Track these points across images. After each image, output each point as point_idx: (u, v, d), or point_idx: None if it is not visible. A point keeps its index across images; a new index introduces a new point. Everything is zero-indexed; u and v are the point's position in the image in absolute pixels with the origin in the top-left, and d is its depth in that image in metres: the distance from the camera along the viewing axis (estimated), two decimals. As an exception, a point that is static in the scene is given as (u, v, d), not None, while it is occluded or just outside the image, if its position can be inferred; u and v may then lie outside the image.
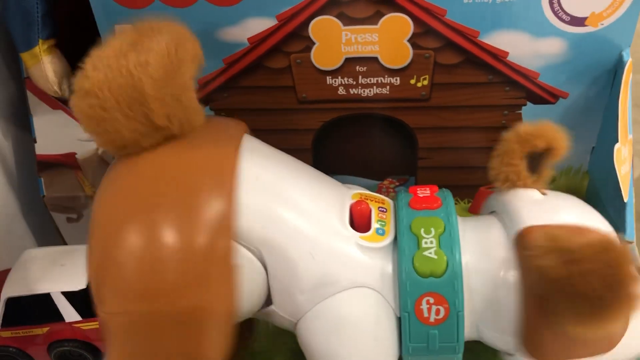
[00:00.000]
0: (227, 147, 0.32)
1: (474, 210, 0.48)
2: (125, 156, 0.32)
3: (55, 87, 0.51)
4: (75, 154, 0.55)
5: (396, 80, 0.43)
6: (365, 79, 0.43)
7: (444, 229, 0.32)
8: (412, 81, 0.43)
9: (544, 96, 0.43)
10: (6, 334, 0.47)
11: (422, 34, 0.41)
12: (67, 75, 0.51)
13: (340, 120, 0.46)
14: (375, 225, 0.33)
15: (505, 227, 0.33)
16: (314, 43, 0.42)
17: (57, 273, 0.47)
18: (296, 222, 0.32)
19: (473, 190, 0.48)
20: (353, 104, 0.45)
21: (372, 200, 0.35)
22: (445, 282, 0.31)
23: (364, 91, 0.44)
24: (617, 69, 0.41)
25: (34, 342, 0.48)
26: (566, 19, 0.39)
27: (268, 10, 0.40)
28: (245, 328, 0.41)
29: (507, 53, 0.41)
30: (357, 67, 0.43)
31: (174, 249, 0.28)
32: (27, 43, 0.50)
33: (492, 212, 0.36)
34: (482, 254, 0.32)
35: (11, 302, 0.46)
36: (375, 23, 0.40)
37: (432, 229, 0.32)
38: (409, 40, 0.41)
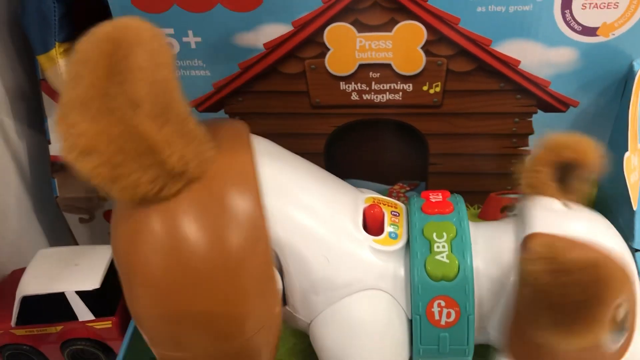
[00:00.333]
0: (241, 151, 0.32)
1: (483, 216, 0.49)
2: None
3: (71, 89, 0.51)
4: (89, 155, 0.56)
5: (409, 86, 0.44)
6: (378, 85, 0.44)
7: (456, 234, 0.33)
8: (425, 88, 0.43)
9: (555, 104, 0.43)
10: (20, 331, 0.48)
11: (435, 42, 0.41)
12: (83, 77, 0.52)
13: (352, 125, 0.47)
14: (388, 229, 0.34)
15: (516, 232, 0.33)
16: (328, 49, 0.42)
17: (72, 273, 0.47)
18: (311, 224, 0.32)
19: (483, 196, 0.49)
20: (366, 110, 0.45)
21: (384, 204, 0.35)
22: (456, 286, 0.31)
23: (376, 97, 0.44)
24: (627, 78, 0.41)
25: (47, 340, 0.48)
26: (578, 29, 0.40)
27: (284, 17, 0.41)
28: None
29: (518, 61, 0.42)
30: (371, 73, 0.43)
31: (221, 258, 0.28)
32: (44, 46, 0.50)
33: (514, 215, 0.36)
34: (492, 259, 0.33)
35: (26, 301, 0.47)
36: (390, 30, 0.41)
37: (444, 234, 0.33)
38: (422, 48, 0.42)
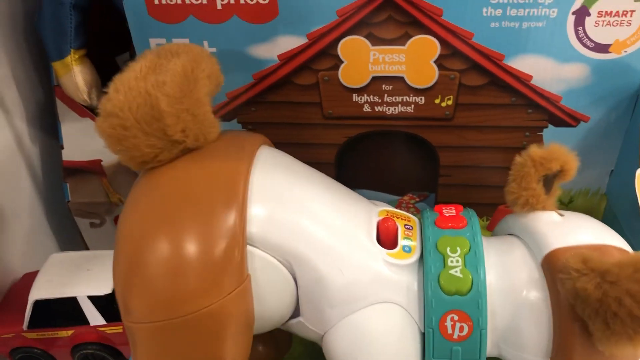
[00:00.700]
0: (239, 161, 0.33)
1: (492, 229, 0.49)
2: (147, 171, 0.33)
3: (85, 96, 0.52)
4: (101, 160, 0.56)
5: (421, 99, 0.44)
6: (391, 98, 0.44)
7: (470, 249, 0.33)
8: (437, 101, 0.44)
9: (566, 119, 0.44)
10: (32, 335, 0.48)
11: (448, 56, 0.42)
12: (96, 84, 0.53)
13: (364, 136, 0.47)
14: (402, 242, 0.34)
15: (528, 249, 0.34)
16: (342, 61, 0.43)
17: (84, 277, 0.48)
18: (325, 237, 0.33)
19: (491, 208, 0.49)
20: (377, 121, 0.46)
21: (398, 218, 0.35)
22: (469, 301, 0.32)
23: (388, 109, 0.45)
24: (638, 95, 0.42)
25: (58, 344, 0.49)
26: (590, 46, 0.40)
27: (299, 29, 0.42)
28: (282, 339, 0.42)
29: (530, 76, 0.42)
30: (383, 86, 0.44)
31: (195, 259, 0.30)
32: (59, 53, 0.51)
33: (510, 234, 0.36)
34: (505, 274, 0.33)
35: (38, 304, 0.47)
36: (403, 44, 0.42)
37: (458, 248, 0.33)
38: (435, 62, 0.42)
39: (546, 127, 0.45)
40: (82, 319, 0.48)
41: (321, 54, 0.43)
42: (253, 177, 0.33)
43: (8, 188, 0.54)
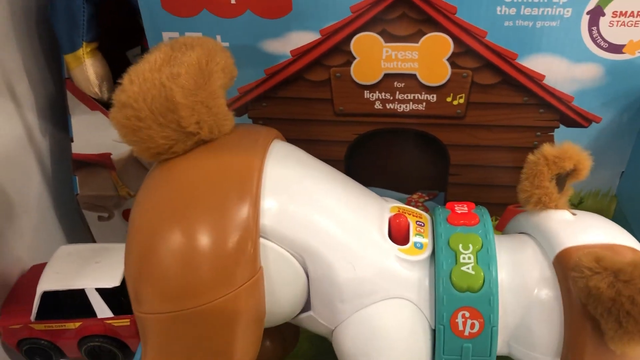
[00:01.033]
0: (253, 154, 0.33)
1: (501, 229, 0.49)
2: (162, 163, 0.33)
3: (96, 89, 0.52)
4: (110, 154, 0.56)
5: (433, 97, 0.44)
6: (402, 95, 0.44)
7: (482, 246, 0.33)
8: (449, 99, 0.44)
9: (578, 120, 0.44)
10: (39, 326, 0.48)
11: (461, 54, 0.42)
12: (107, 77, 0.53)
13: (374, 133, 0.47)
14: (413, 238, 0.34)
15: (540, 247, 0.34)
16: (354, 58, 0.43)
17: (92, 270, 0.48)
18: (338, 231, 0.33)
19: (501, 208, 0.49)
20: (388, 119, 0.46)
21: (410, 214, 0.35)
22: (481, 298, 0.32)
23: (400, 106, 0.45)
24: (651, 96, 0.42)
25: (65, 335, 0.49)
26: (604, 46, 0.40)
27: (312, 25, 0.42)
28: (289, 336, 0.42)
29: (543, 76, 0.42)
30: (395, 83, 0.44)
31: (208, 251, 0.30)
32: (71, 45, 0.51)
33: (521, 233, 0.36)
34: (516, 272, 0.33)
35: (46, 296, 0.47)
36: (416, 41, 0.41)
37: (470, 245, 0.33)
38: (448, 59, 0.42)
39: (557, 127, 0.44)
40: (90, 311, 0.48)
41: (334, 50, 0.43)
42: (266, 170, 0.33)
43: (17, 180, 0.54)
